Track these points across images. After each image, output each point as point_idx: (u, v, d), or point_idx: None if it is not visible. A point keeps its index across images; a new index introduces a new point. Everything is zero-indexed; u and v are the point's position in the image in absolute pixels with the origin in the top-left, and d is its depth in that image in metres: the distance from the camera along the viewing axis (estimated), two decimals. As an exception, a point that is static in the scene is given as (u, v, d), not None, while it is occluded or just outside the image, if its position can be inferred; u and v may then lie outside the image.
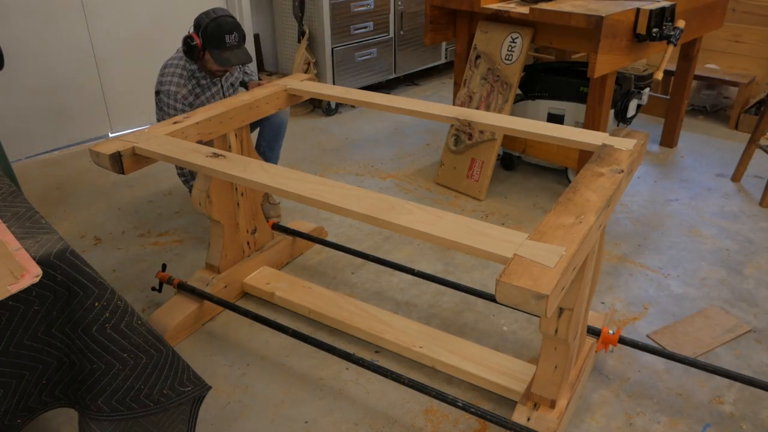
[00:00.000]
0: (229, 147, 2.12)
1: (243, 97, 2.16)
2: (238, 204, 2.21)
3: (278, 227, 2.48)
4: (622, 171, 1.54)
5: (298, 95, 2.29)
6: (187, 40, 2.38)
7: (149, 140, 1.79)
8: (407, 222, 1.34)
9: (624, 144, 1.69)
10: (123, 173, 1.76)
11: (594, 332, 1.90)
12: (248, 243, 2.32)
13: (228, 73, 2.65)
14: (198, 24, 2.38)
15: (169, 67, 2.51)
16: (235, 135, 2.13)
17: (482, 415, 1.59)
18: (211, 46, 2.37)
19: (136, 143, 1.77)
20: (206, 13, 2.38)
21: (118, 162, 1.74)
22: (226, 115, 2.04)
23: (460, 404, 1.61)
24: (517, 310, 2.25)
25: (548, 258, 1.19)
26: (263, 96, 2.17)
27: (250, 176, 1.55)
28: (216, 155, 1.66)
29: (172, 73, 2.49)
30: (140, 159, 1.79)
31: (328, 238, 2.70)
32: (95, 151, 1.75)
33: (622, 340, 1.87)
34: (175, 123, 1.92)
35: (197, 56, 2.41)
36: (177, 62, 2.51)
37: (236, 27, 2.40)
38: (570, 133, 1.77)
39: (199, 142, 1.97)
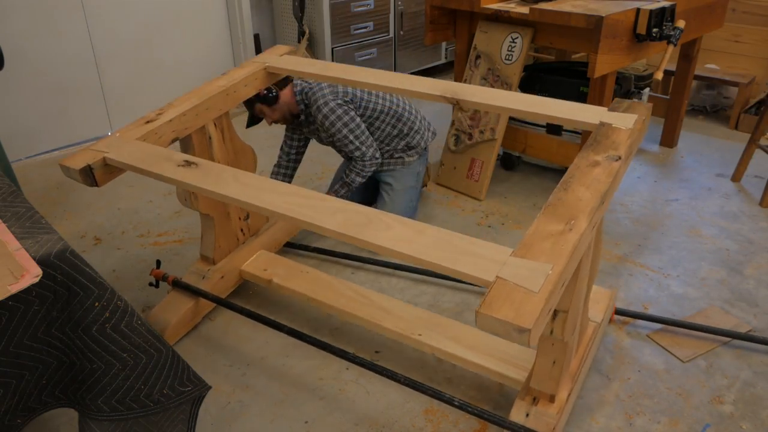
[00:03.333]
0: (210, 138, 2.02)
1: (219, 82, 2.02)
2: None
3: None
4: (620, 158, 1.43)
5: (277, 73, 2.18)
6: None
7: (120, 148, 1.66)
8: (383, 241, 1.24)
9: (624, 121, 1.57)
10: (97, 186, 1.66)
11: None
12: (242, 230, 2.29)
13: (313, 131, 2.64)
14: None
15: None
16: (215, 125, 2.02)
17: (479, 414, 1.58)
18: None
19: (107, 153, 1.65)
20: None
21: (89, 176, 1.63)
22: (201, 107, 1.92)
23: (456, 403, 1.60)
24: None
25: (532, 280, 1.10)
26: (241, 78, 2.04)
27: (221, 190, 1.46)
28: (188, 164, 1.56)
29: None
30: (114, 169, 1.68)
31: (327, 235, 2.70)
32: (65, 166, 1.63)
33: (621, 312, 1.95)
34: (147, 122, 1.81)
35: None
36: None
37: None
38: (566, 110, 1.66)
39: (176, 139, 1.88)
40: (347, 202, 1.39)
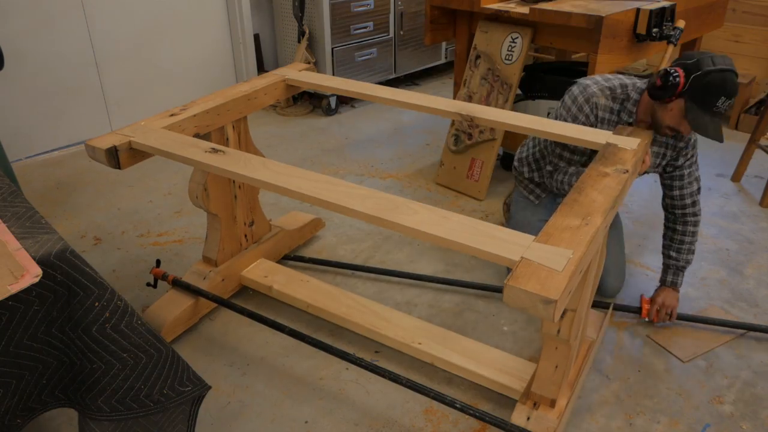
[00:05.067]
0: (227, 140, 2.09)
1: (241, 88, 2.12)
2: (235, 196, 2.20)
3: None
4: (627, 171, 1.53)
5: (296, 86, 2.25)
6: (667, 74, 1.75)
7: (146, 134, 1.74)
8: (413, 223, 1.31)
9: (628, 143, 1.67)
10: (119, 168, 1.72)
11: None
12: (246, 235, 2.31)
13: (666, 146, 1.99)
14: (694, 65, 1.73)
15: (595, 79, 2.00)
16: (233, 127, 2.10)
17: (480, 417, 1.58)
18: (694, 97, 1.73)
19: (133, 137, 1.73)
20: (709, 57, 1.72)
21: (114, 157, 1.70)
22: (223, 107, 2.00)
23: (458, 406, 1.61)
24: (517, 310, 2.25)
25: (556, 261, 1.18)
26: (261, 87, 2.13)
27: (251, 173, 1.52)
28: (215, 150, 1.63)
29: (603, 80, 1.98)
30: (137, 153, 1.75)
31: (327, 239, 2.70)
32: (91, 146, 1.70)
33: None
34: (171, 115, 1.88)
35: (662, 96, 1.78)
36: (608, 81, 1.98)
37: (736, 92, 1.74)
38: (574, 131, 1.75)
39: (197, 135, 1.94)
40: (373, 189, 1.43)
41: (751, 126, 3.72)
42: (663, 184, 2.05)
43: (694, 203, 2.02)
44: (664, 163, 2.01)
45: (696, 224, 2.04)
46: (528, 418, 1.63)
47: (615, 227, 2.28)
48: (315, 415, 1.81)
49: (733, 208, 2.97)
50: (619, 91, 1.95)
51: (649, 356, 2.03)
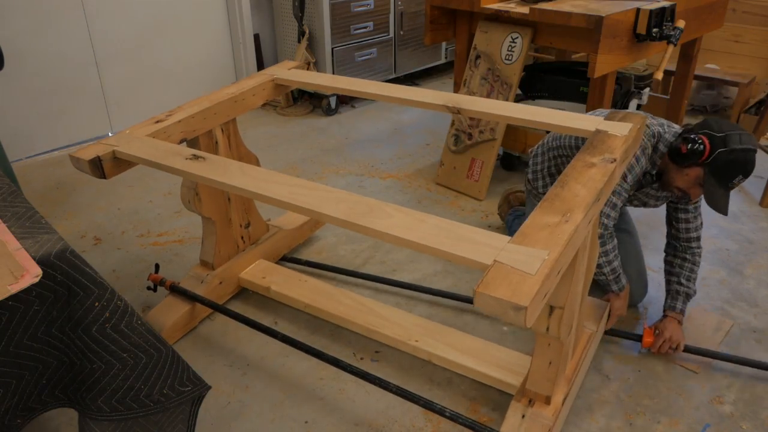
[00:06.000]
0: (216, 143, 2.06)
1: (228, 90, 2.09)
2: (229, 199, 2.19)
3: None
4: (615, 160, 1.46)
5: (285, 85, 2.22)
6: (693, 141, 1.75)
7: (130, 143, 1.71)
8: (386, 227, 1.27)
9: (619, 129, 1.62)
10: (105, 178, 1.70)
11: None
12: (242, 237, 2.30)
13: (664, 196, 2.03)
14: (721, 140, 1.74)
15: (660, 121, 1.96)
16: (222, 130, 2.07)
17: (471, 425, 1.57)
18: (715, 171, 1.75)
19: (117, 147, 1.70)
20: (738, 135, 1.74)
21: (98, 167, 1.67)
22: (210, 111, 1.97)
23: (447, 414, 1.59)
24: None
25: (529, 264, 1.12)
26: (249, 88, 2.10)
27: (228, 180, 1.49)
28: (195, 157, 1.60)
29: (659, 124, 1.93)
30: (122, 163, 1.72)
31: (327, 239, 2.70)
32: (75, 157, 1.68)
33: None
34: (157, 122, 1.86)
35: (684, 163, 1.79)
36: (664, 125, 1.94)
37: (752, 171, 1.77)
38: (563, 119, 1.70)
39: (184, 140, 1.92)
40: (349, 192, 1.40)
41: (751, 126, 3.72)
42: (668, 213, 2.07)
43: (699, 237, 2.05)
44: (670, 198, 2.05)
45: (700, 254, 2.08)
46: (523, 416, 1.61)
47: (630, 233, 2.26)
48: (315, 415, 1.81)
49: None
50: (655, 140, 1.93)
51: (649, 356, 2.03)
